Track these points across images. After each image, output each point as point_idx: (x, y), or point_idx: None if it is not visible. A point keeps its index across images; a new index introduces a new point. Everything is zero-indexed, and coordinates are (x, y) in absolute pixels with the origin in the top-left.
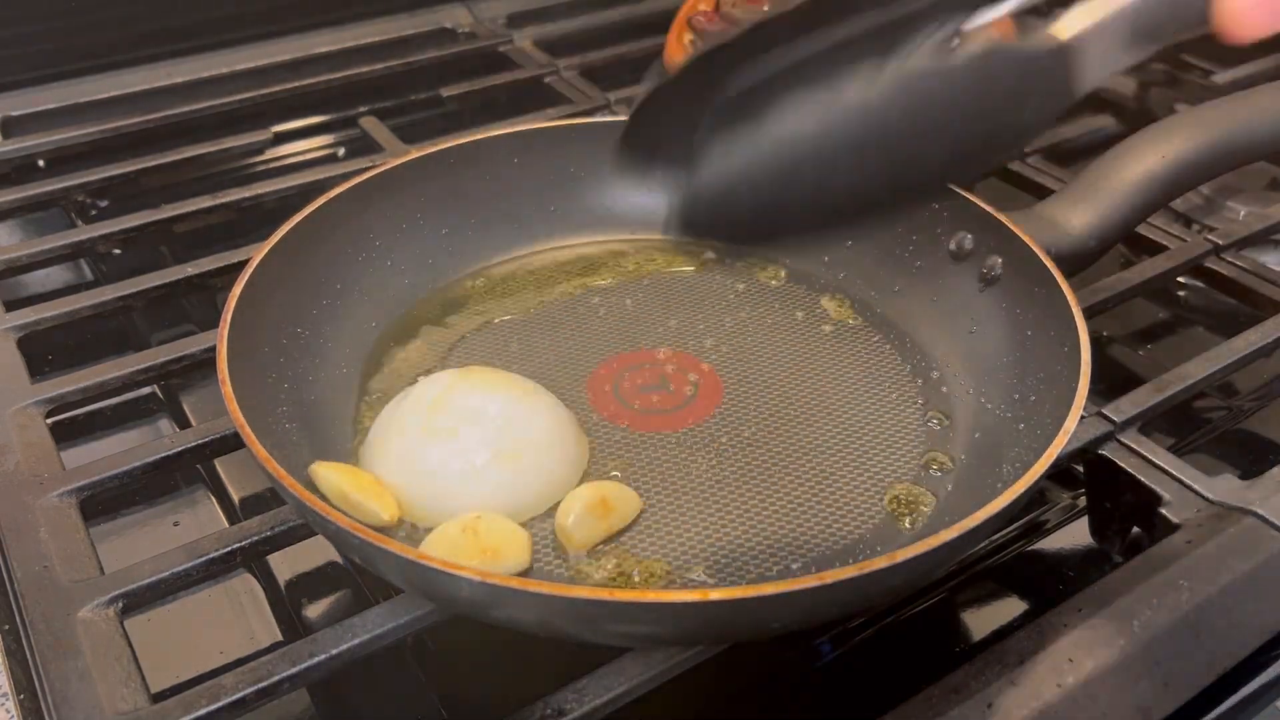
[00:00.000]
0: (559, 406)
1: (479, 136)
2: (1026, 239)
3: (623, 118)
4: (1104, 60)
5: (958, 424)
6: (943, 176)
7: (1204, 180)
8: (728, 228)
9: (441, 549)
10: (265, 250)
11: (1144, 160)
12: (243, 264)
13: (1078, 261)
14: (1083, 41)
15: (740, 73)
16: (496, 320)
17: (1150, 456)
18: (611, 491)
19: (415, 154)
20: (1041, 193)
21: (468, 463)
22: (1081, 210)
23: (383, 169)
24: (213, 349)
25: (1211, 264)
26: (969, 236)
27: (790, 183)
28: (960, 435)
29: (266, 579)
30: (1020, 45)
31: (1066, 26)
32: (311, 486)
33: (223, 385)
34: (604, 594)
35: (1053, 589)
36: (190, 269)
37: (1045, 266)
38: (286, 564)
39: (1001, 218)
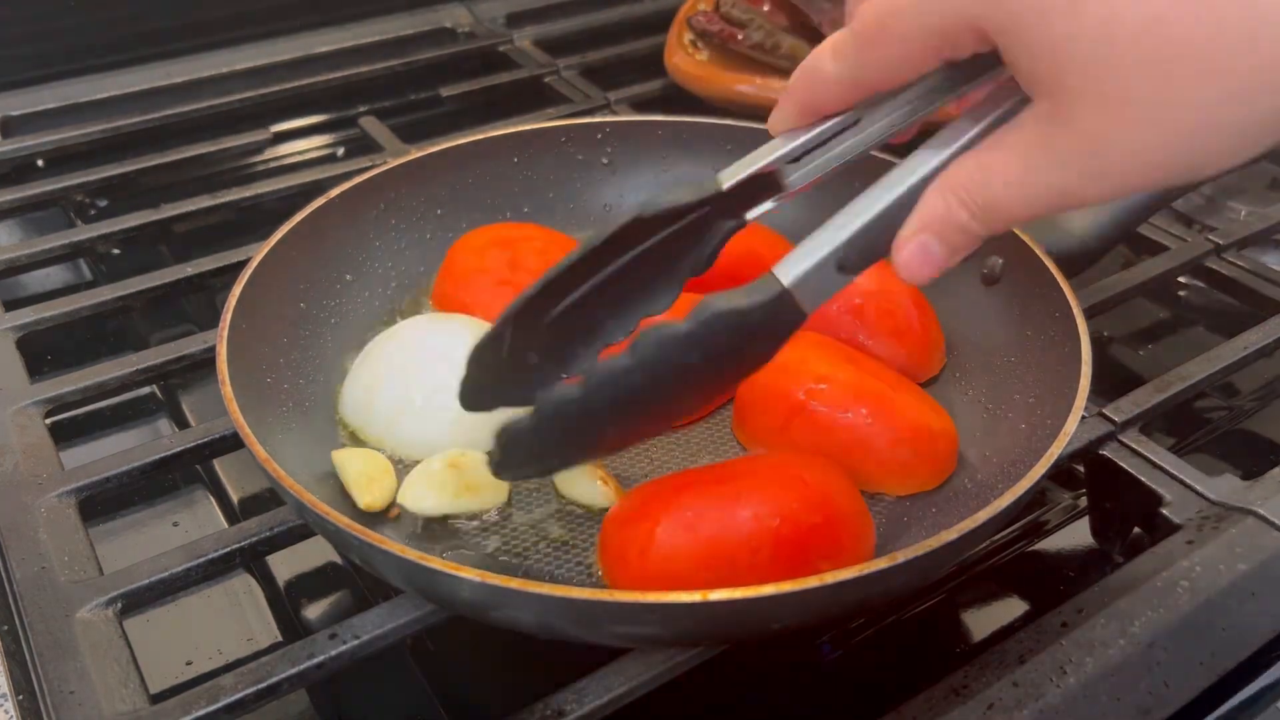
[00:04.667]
0: None
1: (479, 137)
2: (1027, 239)
3: (623, 117)
4: (820, 292)
5: (958, 424)
6: (695, 408)
7: (1205, 180)
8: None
9: (425, 484)
10: (265, 250)
11: None
12: (242, 264)
13: (1079, 262)
14: (801, 282)
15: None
16: None
17: (1151, 457)
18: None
19: (415, 154)
20: None
21: (432, 399)
22: (1083, 211)
23: (382, 169)
24: (212, 349)
25: (1212, 264)
26: None
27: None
28: (961, 435)
29: (266, 579)
30: (743, 299)
31: (785, 271)
32: (311, 487)
33: (223, 386)
34: (604, 595)
35: (1053, 589)
36: (190, 269)
37: (1046, 267)
38: (286, 564)
39: None
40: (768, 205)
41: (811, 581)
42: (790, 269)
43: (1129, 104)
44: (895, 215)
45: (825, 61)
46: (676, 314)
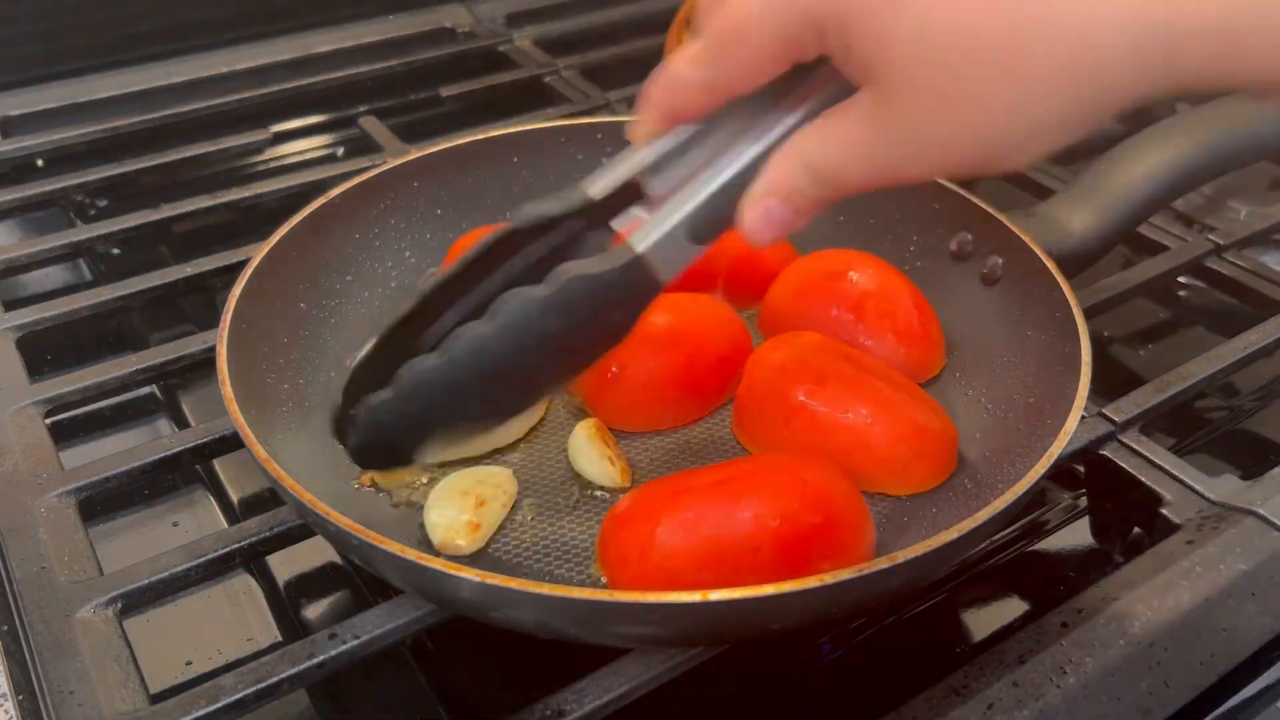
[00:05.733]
0: None
1: (479, 137)
2: (1027, 239)
3: (623, 117)
4: (674, 261)
5: (958, 424)
6: (554, 382)
7: (1206, 180)
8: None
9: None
10: (265, 250)
11: (1145, 160)
12: (242, 264)
13: (1079, 262)
14: (655, 250)
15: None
16: None
17: (1151, 457)
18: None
19: (415, 154)
20: (1042, 192)
21: None
22: (1083, 210)
23: (382, 169)
24: (212, 349)
25: (1212, 264)
26: (970, 237)
27: (447, 405)
28: (961, 435)
29: (266, 579)
30: (598, 265)
31: (639, 239)
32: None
33: (223, 386)
34: (604, 595)
35: (1053, 589)
36: (189, 269)
37: (1046, 267)
38: (286, 564)
39: (1002, 218)
40: (636, 212)
41: (811, 581)
42: (643, 237)
43: (939, 98)
44: (739, 185)
45: (682, 68)
46: None
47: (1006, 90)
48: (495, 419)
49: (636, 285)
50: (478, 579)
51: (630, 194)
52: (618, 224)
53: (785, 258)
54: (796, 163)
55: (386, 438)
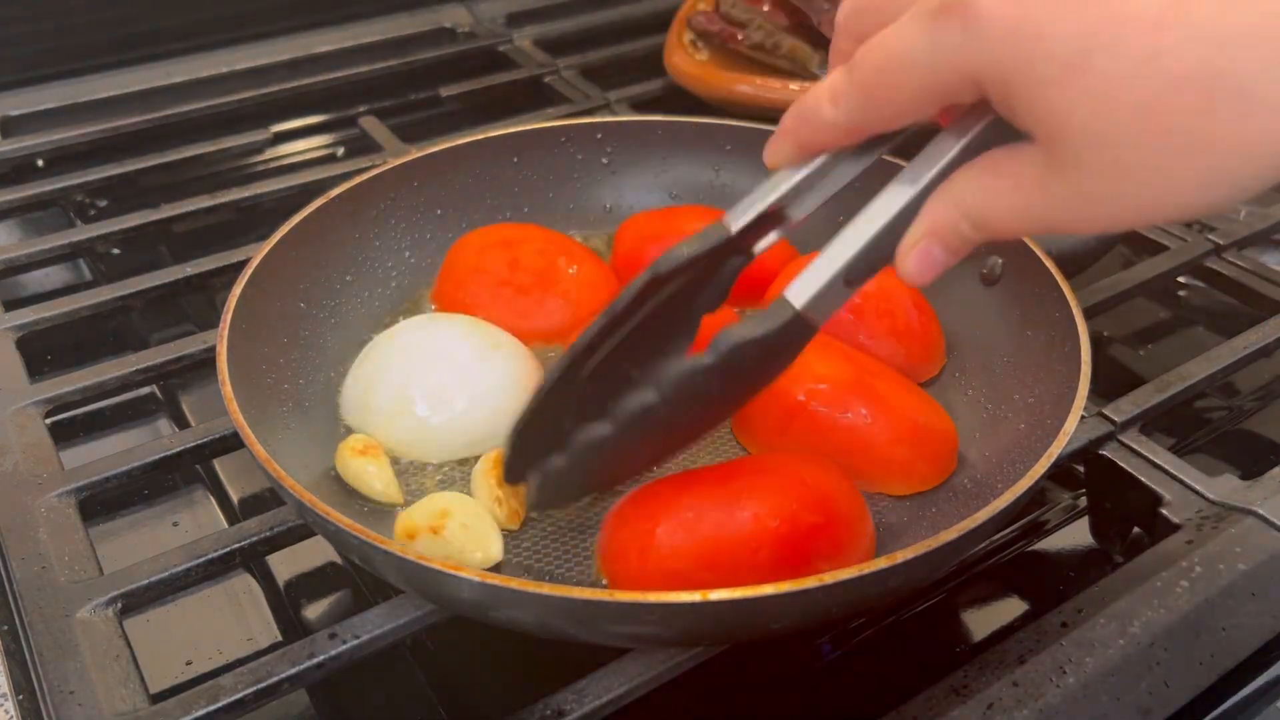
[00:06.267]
0: (526, 356)
1: (479, 137)
2: (1027, 239)
3: (623, 117)
4: (829, 307)
5: (958, 424)
6: (711, 427)
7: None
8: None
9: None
10: (265, 250)
11: None
12: (243, 264)
13: (1079, 262)
14: (813, 305)
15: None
16: None
17: (1151, 457)
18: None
19: (415, 154)
20: None
21: (431, 398)
22: None
23: (383, 169)
24: (212, 349)
25: (1212, 264)
26: None
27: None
28: (961, 435)
29: (266, 579)
30: (760, 328)
31: (797, 294)
32: (311, 487)
33: (223, 386)
34: (604, 595)
35: (1053, 589)
36: (190, 269)
37: (1045, 266)
38: (286, 564)
39: None
40: (774, 236)
41: (811, 581)
42: (802, 291)
43: (1122, 172)
44: (896, 228)
45: (824, 106)
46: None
47: (1199, 162)
48: (651, 467)
49: (794, 338)
50: (478, 579)
51: (770, 220)
52: (759, 247)
53: (785, 258)
54: (957, 210)
55: (559, 492)
